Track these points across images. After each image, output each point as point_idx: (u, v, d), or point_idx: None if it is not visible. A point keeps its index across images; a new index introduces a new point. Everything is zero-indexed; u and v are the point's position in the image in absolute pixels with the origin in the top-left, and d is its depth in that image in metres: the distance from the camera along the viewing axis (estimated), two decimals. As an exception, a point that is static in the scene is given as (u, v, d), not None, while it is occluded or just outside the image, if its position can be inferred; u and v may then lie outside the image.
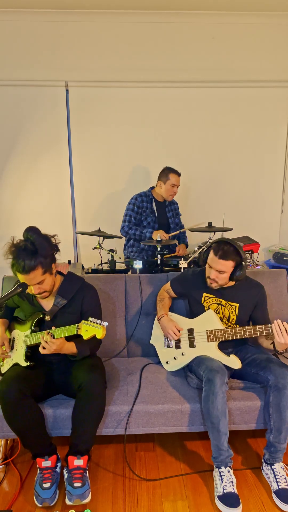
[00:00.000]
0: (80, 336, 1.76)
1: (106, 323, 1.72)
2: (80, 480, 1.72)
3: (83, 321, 1.74)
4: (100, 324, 1.71)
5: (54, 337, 1.79)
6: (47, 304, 1.96)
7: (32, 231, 1.80)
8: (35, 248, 1.75)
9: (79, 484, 1.71)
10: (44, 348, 1.77)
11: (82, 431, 1.78)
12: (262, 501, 1.75)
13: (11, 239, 1.81)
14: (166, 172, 3.19)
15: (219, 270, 1.96)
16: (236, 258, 1.95)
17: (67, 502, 1.69)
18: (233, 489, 1.73)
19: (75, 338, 1.85)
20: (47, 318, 1.90)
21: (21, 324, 2.00)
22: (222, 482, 1.74)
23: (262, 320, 2.10)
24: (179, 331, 2.10)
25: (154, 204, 3.25)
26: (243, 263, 1.97)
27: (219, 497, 1.71)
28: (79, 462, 1.76)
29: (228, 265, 1.95)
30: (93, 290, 2.02)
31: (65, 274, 2.01)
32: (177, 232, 3.24)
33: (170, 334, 2.10)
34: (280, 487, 1.75)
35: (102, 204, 3.89)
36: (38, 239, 1.78)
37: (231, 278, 2.00)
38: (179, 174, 3.20)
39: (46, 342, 1.76)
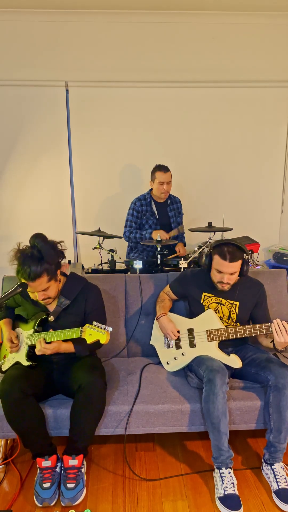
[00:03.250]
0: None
1: (110, 329, 1.71)
2: (74, 480, 1.74)
3: (87, 324, 1.74)
4: (104, 329, 1.71)
5: (46, 342, 1.80)
6: (51, 304, 1.96)
7: (39, 238, 1.79)
8: (41, 256, 1.75)
9: (72, 485, 1.72)
10: (39, 349, 1.79)
11: (80, 430, 1.79)
12: (262, 501, 1.75)
13: (17, 244, 1.80)
14: (153, 170, 3.14)
15: (231, 273, 1.96)
16: (242, 255, 1.97)
17: (60, 502, 1.72)
18: (234, 490, 1.72)
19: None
20: (51, 318, 1.90)
21: (24, 323, 2.00)
22: (223, 483, 1.74)
23: (263, 318, 2.10)
24: (178, 331, 2.10)
25: (154, 206, 3.24)
26: (248, 257, 1.99)
27: (220, 499, 1.71)
28: (73, 462, 1.77)
29: (238, 265, 1.96)
30: (96, 290, 2.02)
31: (67, 274, 2.01)
32: (176, 231, 3.21)
33: (168, 334, 2.10)
34: (280, 487, 1.75)
35: (102, 204, 3.89)
36: (45, 247, 1.77)
37: (240, 275, 2.01)
38: (165, 170, 3.10)
39: (41, 346, 1.78)
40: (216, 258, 1.97)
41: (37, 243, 1.78)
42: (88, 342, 1.72)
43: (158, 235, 2.78)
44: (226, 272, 1.96)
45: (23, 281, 1.76)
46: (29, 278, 1.73)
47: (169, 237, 3.05)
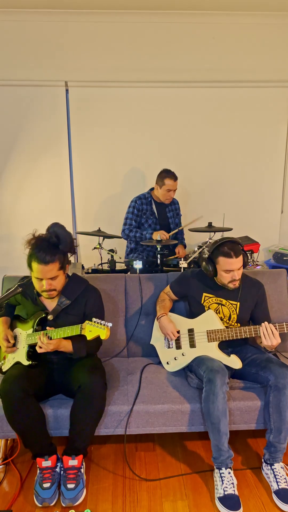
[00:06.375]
0: (83, 336, 1.76)
1: (110, 324, 1.72)
2: (74, 480, 1.74)
3: (87, 321, 1.74)
4: (104, 324, 1.71)
5: (50, 338, 1.80)
6: (51, 304, 1.96)
7: (58, 226, 1.85)
8: (58, 242, 1.80)
9: (72, 486, 1.72)
10: (40, 347, 1.79)
11: (80, 431, 1.79)
12: (262, 501, 1.75)
13: (33, 231, 1.85)
14: (163, 176, 3.15)
15: (238, 268, 1.98)
16: (240, 248, 2.00)
17: (61, 502, 1.72)
18: (234, 490, 1.72)
19: (77, 336, 1.85)
20: (50, 317, 1.91)
21: (23, 322, 2.00)
22: (222, 483, 1.74)
23: (263, 318, 2.10)
24: (177, 332, 2.10)
25: (154, 206, 3.24)
26: (242, 248, 2.03)
27: (220, 499, 1.71)
28: (73, 462, 1.77)
29: (242, 259, 1.99)
30: (97, 293, 2.03)
31: (70, 275, 2.02)
32: (176, 230, 3.23)
33: (168, 335, 2.10)
34: (280, 487, 1.75)
35: (102, 204, 3.89)
36: (63, 234, 1.82)
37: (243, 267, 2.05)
38: (175, 179, 3.15)
39: (42, 342, 1.78)
40: (222, 260, 1.97)
41: (56, 230, 1.83)
42: (88, 338, 1.72)
43: (159, 235, 2.79)
44: (235, 268, 1.97)
45: (34, 264, 1.77)
46: (43, 261, 1.75)
47: (169, 237, 3.05)
